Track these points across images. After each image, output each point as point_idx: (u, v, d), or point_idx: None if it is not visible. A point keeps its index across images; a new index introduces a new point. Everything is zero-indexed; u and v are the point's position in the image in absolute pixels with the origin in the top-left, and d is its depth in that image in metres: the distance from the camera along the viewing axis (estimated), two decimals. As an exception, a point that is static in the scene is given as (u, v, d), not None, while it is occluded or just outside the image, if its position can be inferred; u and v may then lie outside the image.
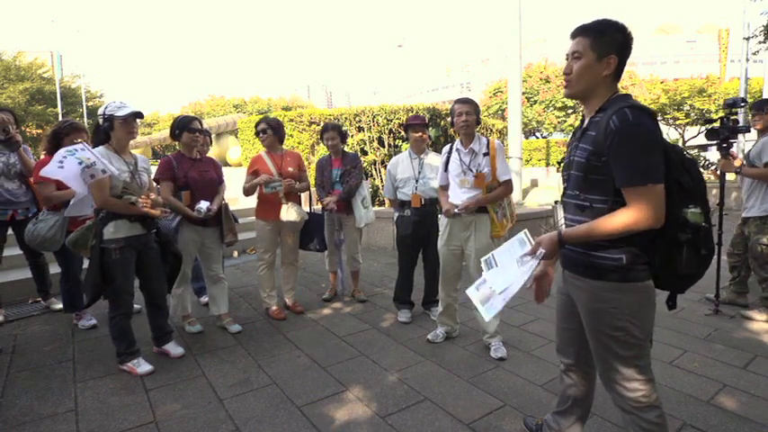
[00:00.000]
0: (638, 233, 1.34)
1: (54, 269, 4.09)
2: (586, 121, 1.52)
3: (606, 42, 1.43)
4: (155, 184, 3.12)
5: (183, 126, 3.18)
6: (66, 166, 2.43)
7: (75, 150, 2.48)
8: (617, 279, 1.43)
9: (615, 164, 1.35)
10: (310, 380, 2.63)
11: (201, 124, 3.33)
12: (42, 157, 3.43)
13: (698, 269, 1.39)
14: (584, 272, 1.50)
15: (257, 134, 3.69)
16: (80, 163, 2.43)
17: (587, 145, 1.44)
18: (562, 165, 1.66)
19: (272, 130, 3.59)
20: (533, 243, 1.51)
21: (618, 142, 1.33)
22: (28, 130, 27.03)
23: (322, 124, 4.42)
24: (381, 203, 7.10)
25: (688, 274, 1.39)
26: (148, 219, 2.75)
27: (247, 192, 3.59)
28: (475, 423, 2.18)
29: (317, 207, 4.27)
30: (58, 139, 3.22)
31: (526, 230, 1.63)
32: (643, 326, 1.46)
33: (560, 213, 1.64)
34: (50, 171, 2.46)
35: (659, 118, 18.41)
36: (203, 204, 3.11)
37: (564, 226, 1.58)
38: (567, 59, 1.51)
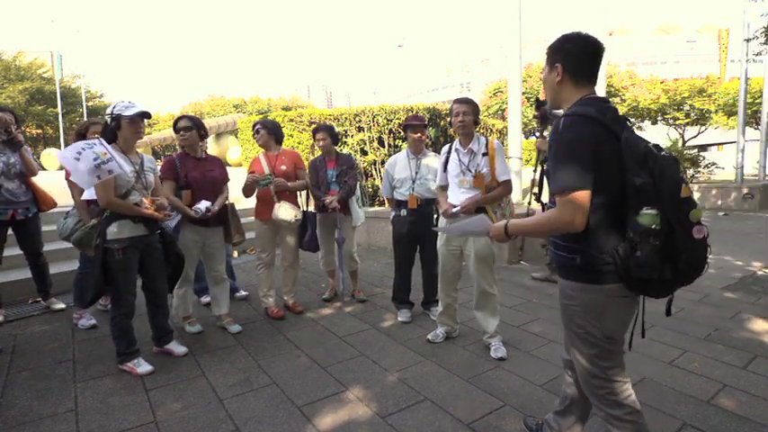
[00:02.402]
0: (593, 235, 1.39)
1: (54, 269, 4.10)
2: None
3: (554, 53, 1.56)
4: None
5: (174, 126, 3.26)
6: (82, 158, 2.43)
7: (94, 144, 2.51)
8: (576, 279, 1.49)
9: (550, 171, 1.45)
10: (310, 380, 2.63)
11: (192, 121, 3.26)
12: None
13: (654, 274, 1.31)
14: (559, 270, 1.60)
15: (254, 134, 3.72)
16: (95, 158, 2.44)
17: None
18: None
19: (265, 130, 3.60)
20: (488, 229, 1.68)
21: (549, 151, 1.45)
22: (28, 130, 27.04)
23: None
24: (382, 203, 7.10)
25: (642, 277, 1.33)
26: (152, 220, 2.75)
27: (245, 193, 3.59)
28: (475, 423, 2.18)
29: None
30: (83, 137, 3.35)
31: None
32: (603, 327, 1.47)
33: None
34: (66, 160, 2.46)
35: (659, 118, 18.42)
36: (202, 205, 3.10)
37: None
38: None
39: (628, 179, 1.35)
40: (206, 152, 3.38)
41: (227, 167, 3.76)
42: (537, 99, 4.39)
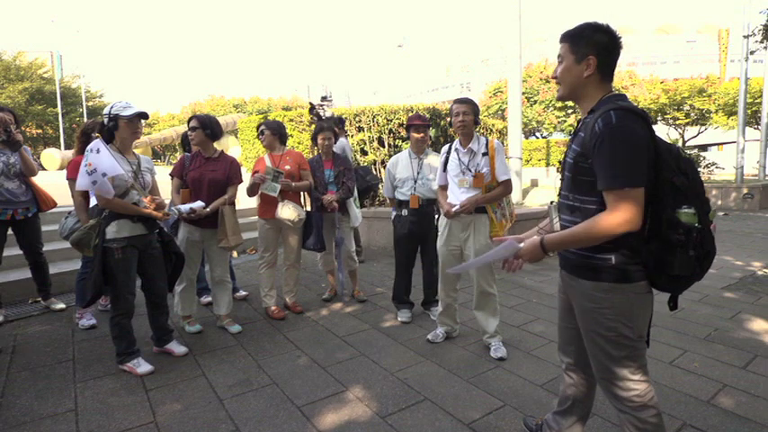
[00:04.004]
0: (627, 234, 1.35)
1: (54, 269, 4.10)
2: (581, 123, 1.53)
3: (584, 44, 1.46)
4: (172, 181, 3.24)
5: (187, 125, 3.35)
6: (90, 174, 2.53)
7: (90, 151, 2.54)
8: (607, 279, 1.44)
9: (597, 166, 1.37)
10: (310, 380, 2.63)
11: (200, 121, 3.25)
12: (73, 156, 3.46)
13: (691, 271, 1.36)
14: (577, 272, 1.52)
15: (258, 135, 3.73)
16: (88, 173, 2.50)
17: (577, 146, 1.46)
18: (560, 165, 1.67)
19: (269, 131, 3.62)
20: (518, 251, 1.53)
21: (599, 145, 1.34)
22: (28, 130, 27.03)
23: (316, 125, 4.45)
24: (382, 203, 7.10)
25: (680, 275, 1.37)
26: (151, 219, 2.75)
27: (249, 192, 3.60)
28: (475, 423, 2.18)
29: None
30: (88, 136, 3.32)
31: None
32: (636, 327, 1.46)
33: (554, 214, 1.66)
34: (84, 185, 2.55)
35: (659, 118, 18.42)
36: (185, 206, 3.07)
37: (559, 226, 1.61)
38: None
39: (666, 177, 1.34)
40: (221, 152, 3.38)
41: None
42: (311, 103, 5.32)
